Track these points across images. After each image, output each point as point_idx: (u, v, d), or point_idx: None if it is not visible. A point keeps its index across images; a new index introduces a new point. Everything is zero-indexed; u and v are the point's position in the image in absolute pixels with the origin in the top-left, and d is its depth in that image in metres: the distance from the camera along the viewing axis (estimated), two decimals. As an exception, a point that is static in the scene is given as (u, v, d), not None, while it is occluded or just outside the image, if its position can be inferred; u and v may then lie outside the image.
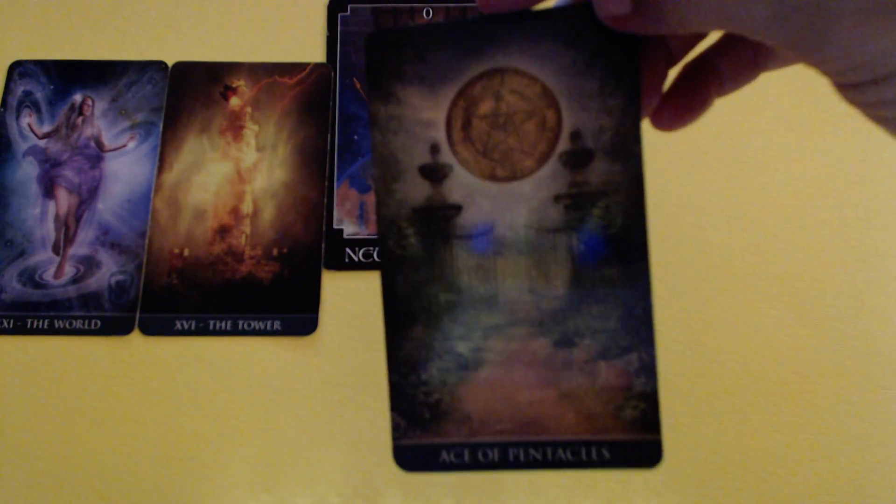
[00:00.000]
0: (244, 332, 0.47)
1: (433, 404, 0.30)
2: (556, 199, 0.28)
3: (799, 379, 0.47)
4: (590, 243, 0.28)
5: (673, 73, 0.29)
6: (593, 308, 0.28)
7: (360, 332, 0.48)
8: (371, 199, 0.50)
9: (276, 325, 0.48)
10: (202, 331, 0.47)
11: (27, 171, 0.51)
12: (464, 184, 0.29)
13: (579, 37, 0.27)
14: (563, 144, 0.28)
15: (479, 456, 0.29)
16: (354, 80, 0.54)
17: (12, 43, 0.55)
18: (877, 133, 0.48)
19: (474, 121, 0.28)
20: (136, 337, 0.47)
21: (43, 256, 0.49)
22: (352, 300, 0.49)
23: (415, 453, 0.30)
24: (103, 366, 0.47)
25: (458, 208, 0.29)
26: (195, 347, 0.47)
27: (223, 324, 0.48)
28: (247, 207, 0.50)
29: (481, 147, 0.28)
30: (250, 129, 0.52)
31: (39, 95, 0.53)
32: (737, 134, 0.52)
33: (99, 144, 0.52)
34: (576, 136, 0.28)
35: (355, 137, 0.52)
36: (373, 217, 0.50)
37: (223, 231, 0.50)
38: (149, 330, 0.47)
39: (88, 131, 0.52)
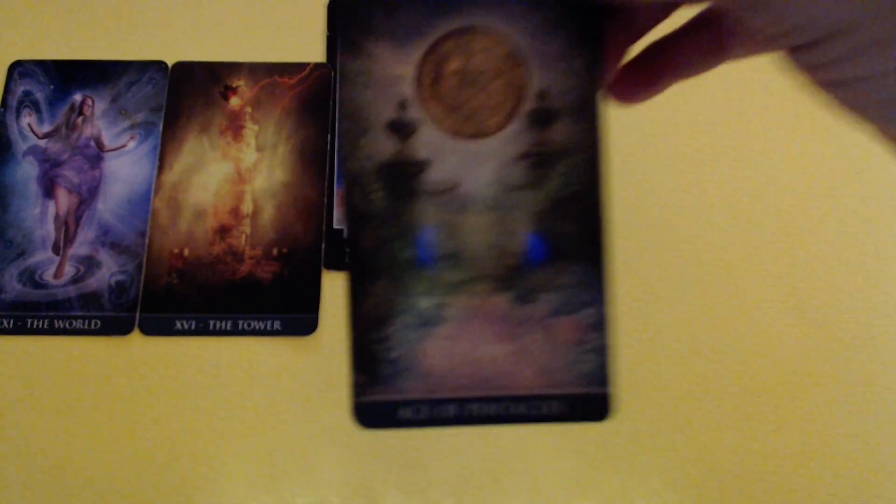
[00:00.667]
0: (244, 332, 0.48)
1: (394, 360, 0.30)
2: (522, 157, 0.29)
3: (799, 379, 0.47)
4: (551, 201, 0.29)
5: (635, 50, 0.30)
6: (553, 265, 0.29)
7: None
8: (371, 198, 0.51)
9: (276, 324, 0.48)
10: (202, 331, 0.47)
11: (27, 171, 0.51)
12: (431, 140, 0.29)
13: (553, 5, 0.28)
14: (530, 103, 0.29)
15: (437, 412, 0.30)
16: (354, 79, 0.54)
17: (12, 43, 0.55)
18: None
19: (443, 78, 0.29)
20: (136, 337, 0.48)
21: (43, 256, 0.49)
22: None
23: (374, 410, 0.30)
24: (103, 366, 0.47)
25: (424, 164, 0.29)
26: (195, 347, 0.47)
27: (223, 324, 0.48)
28: (247, 207, 0.50)
29: (450, 104, 0.29)
30: (250, 129, 0.52)
31: (39, 95, 0.53)
32: (737, 132, 0.52)
33: (99, 144, 0.52)
34: (542, 95, 0.29)
35: (355, 137, 0.52)
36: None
37: (223, 231, 0.50)
38: (149, 330, 0.48)
39: (88, 131, 0.52)
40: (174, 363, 0.47)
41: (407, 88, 0.29)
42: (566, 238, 0.29)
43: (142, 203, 0.50)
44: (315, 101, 0.53)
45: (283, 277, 0.49)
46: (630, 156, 0.51)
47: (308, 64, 0.54)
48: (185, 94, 0.53)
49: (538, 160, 0.29)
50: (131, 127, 0.52)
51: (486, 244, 0.29)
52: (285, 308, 0.48)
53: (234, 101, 0.53)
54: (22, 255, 0.49)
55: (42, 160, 0.52)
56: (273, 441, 0.45)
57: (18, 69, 0.54)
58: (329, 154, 0.52)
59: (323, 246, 0.49)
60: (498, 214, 0.29)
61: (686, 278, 0.49)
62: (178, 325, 0.48)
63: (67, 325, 0.48)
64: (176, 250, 0.49)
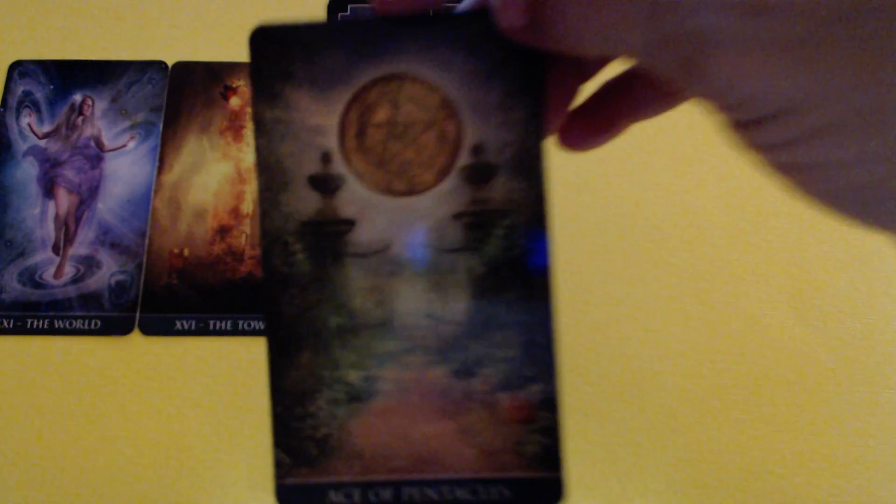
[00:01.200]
0: (244, 332, 0.47)
1: (321, 439, 0.27)
2: (457, 216, 0.26)
3: (800, 378, 0.47)
4: (490, 266, 0.26)
5: (587, 91, 0.27)
6: (494, 335, 0.26)
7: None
8: (371, 199, 0.50)
9: (276, 325, 0.48)
10: (202, 331, 0.47)
11: (27, 171, 0.51)
12: (358, 197, 0.26)
13: (482, 45, 0.25)
14: (464, 158, 0.26)
15: (371, 496, 0.27)
16: (354, 80, 0.54)
17: (12, 43, 0.55)
18: None
19: (369, 129, 0.26)
20: (136, 337, 0.48)
21: (43, 256, 0.49)
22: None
23: (300, 494, 0.27)
24: (103, 366, 0.47)
25: (351, 223, 0.26)
26: (195, 347, 0.47)
27: (223, 324, 0.48)
28: (247, 207, 0.50)
29: (376, 158, 0.26)
30: (250, 129, 0.52)
31: (39, 95, 0.53)
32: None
33: (99, 144, 0.52)
34: (477, 150, 0.26)
35: (355, 137, 0.52)
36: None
37: (223, 231, 0.50)
38: (149, 330, 0.48)
39: (88, 131, 0.52)
40: (174, 363, 0.47)
41: (330, 140, 0.26)
42: (508, 306, 0.26)
43: (142, 203, 0.51)
44: (315, 101, 0.53)
45: (283, 277, 0.49)
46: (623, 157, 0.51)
47: (308, 64, 0.54)
48: (185, 94, 0.53)
49: (475, 220, 0.26)
50: (131, 127, 0.52)
51: (421, 312, 0.27)
52: (285, 308, 0.48)
53: (235, 101, 0.53)
54: (22, 255, 0.49)
55: (42, 160, 0.52)
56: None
57: (18, 69, 0.54)
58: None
59: (323, 246, 0.49)
60: (432, 279, 0.26)
61: (685, 277, 0.49)
62: (178, 325, 0.48)
63: (67, 325, 0.48)
64: (176, 250, 0.49)
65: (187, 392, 0.46)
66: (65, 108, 0.53)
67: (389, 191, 0.26)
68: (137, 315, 0.48)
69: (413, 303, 0.27)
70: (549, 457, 0.26)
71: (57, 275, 0.49)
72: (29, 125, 0.52)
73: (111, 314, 0.48)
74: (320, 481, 0.27)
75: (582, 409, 0.45)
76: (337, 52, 0.26)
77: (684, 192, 0.51)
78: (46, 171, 0.51)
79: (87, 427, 0.46)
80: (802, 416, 0.46)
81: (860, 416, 0.46)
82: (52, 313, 0.48)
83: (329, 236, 0.26)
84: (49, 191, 0.51)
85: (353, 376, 0.27)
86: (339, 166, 0.26)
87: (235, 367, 0.47)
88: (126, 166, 0.51)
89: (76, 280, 0.49)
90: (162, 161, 0.51)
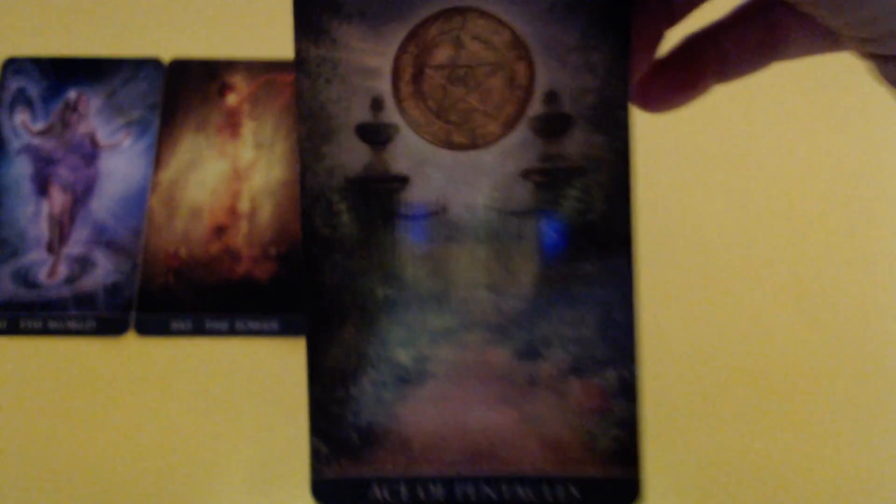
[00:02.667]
0: (241, 333, 0.47)
1: (364, 426, 0.24)
2: (525, 174, 0.23)
3: (801, 378, 0.47)
4: (563, 231, 0.23)
5: (670, 41, 0.24)
6: (565, 312, 0.23)
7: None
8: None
9: (274, 325, 0.48)
10: (199, 331, 0.47)
11: (21, 169, 0.51)
12: (412, 150, 0.23)
13: None
14: (536, 107, 0.23)
15: (420, 493, 0.24)
16: (353, 77, 0.53)
17: (5, 39, 0.54)
18: (880, 130, 0.49)
19: (427, 71, 0.23)
20: (131, 337, 0.47)
21: (36, 256, 0.49)
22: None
23: (340, 488, 0.24)
24: (98, 366, 0.47)
25: (404, 180, 0.23)
26: (191, 348, 0.47)
27: (220, 324, 0.47)
28: (244, 206, 0.50)
29: (435, 105, 0.23)
30: (247, 127, 0.52)
31: (33, 92, 0.53)
32: (740, 130, 0.52)
33: (94, 142, 0.52)
34: (551, 97, 0.23)
35: (354, 135, 0.52)
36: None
37: (220, 230, 0.50)
38: (144, 330, 0.47)
39: (83, 129, 0.52)
40: (170, 364, 0.47)
41: (382, 84, 0.23)
42: (583, 279, 0.23)
43: (137, 202, 0.50)
44: (313, 99, 0.53)
45: (281, 277, 0.49)
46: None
47: (306, 61, 0.54)
48: (181, 92, 0.53)
49: (547, 178, 0.23)
50: (126, 124, 0.52)
51: (481, 283, 0.23)
52: (283, 308, 0.48)
53: (231, 99, 0.53)
54: (15, 254, 0.49)
55: (36, 158, 0.51)
56: (270, 442, 0.45)
57: (12, 66, 0.53)
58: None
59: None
60: (495, 246, 0.23)
61: (686, 276, 0.48)
62: (174, 325, 0.47)
63: (62, 326, 0.47)
64: (172, 249, 0.49)
65: (183, 393, 0.46)
66: (59, 106, 0.53)
67: (448, 143, 0.23)
68: (133, 315, 0.48)
69: (472, 273, 0.23)
70: (624, 453, 0.24)
71: (51, 274, 0.49)
72: (22, 122, 0.52)
73: (106, 314, 0.48)
74: (363, 475, 0.24)
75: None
76: None
77: (684, 188, 0.51)
78: (40, 169, 0.51)
79: (82, 428, 0.45)
80: (804, 416, 0.46)
81: (863, 417, 0.46)
82: (46, 314, 0.48)
83: (379, 194, 0.23)
84: (43, 189, 0.51)
85: (403, 356, 0.24)
86: (391, 114, 0.23)
87: (232, 368, 0.47)
88: (121, 164, 0.51)
89: (70, 280, 0.49)
90: (158, 159, 0.51)
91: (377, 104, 0.23)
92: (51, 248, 0.49)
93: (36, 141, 0.52)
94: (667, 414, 0.41)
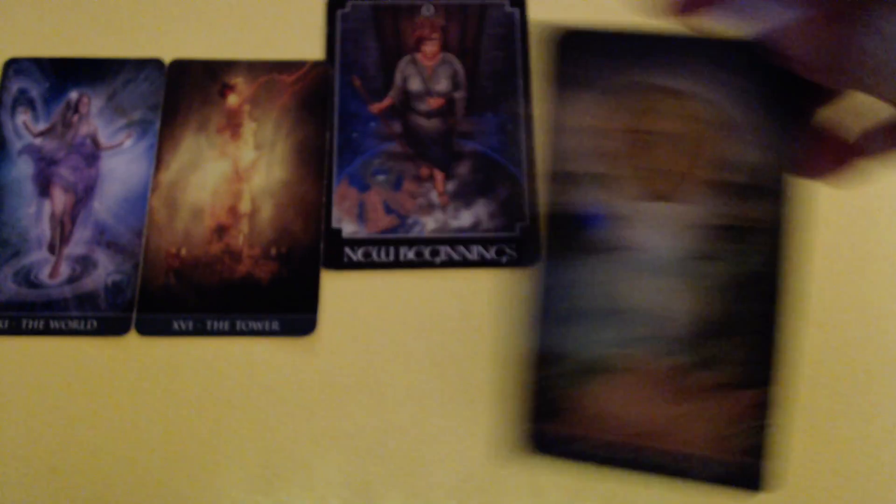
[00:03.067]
0: (242, 333, 0.48)
1: (562, 399, 0.31)
2: (708, 227, 0.29)
3: (802, 378, 0.47)
4: (735, 277, 0.29)
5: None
6: (731, 338, 0.29)
7: (359, 332, 0.48)
8: (369, 198, 0.50)
9: (275, 325, 0.48)
10: (200, 331, 0.47)
11: (22, 169, 0.51)
12: (622, 199, 0.29)
13: (753, 71, 0.27)
14: (722, 173, 0.28)
15: (612, 453, 0.31)
16: (353, 77, 0.54)
17: (7, 40, 0.55)
18: None
19: (641, 138, 0.29)
20: (132, 337, 0.47)
21: (38, 256, 0.49)
22: (351, 300, 0.49)
23: (542, 442, 0.31)
24: (100, 366, 0.47)
25: (606, 221, 0.30)
26: (192, 348, 0.47)
27: (221, 324, 0.47)
28: (245, 206, 0.50)
29: (636, 163, 0.29)
30: (248, 127, 0.52)
31: (35, 93, 0.53)
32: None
33: (95, 143, 0.52)
34: (735, 166, 0.28)
35: (354, 135, 0.52)
36: (372, 217, 0.50)
37: (221, 230, 0.50)
38: (146, 330, 0.47)
39: (84, 129, 0.52)
40: (171, 364, 0.47)
41: (603, 143, 0.29)
42: (747, 314, 0.29)
43: (139, 202, 0.50)
44: (314, 99, 0.53)
45: (282, 277, 0.49)
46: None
47: (307, 62, 0.54)
48: (182, 92, 0.53)
49: (725, 233, 0.29)
50: (128, 125, 0.52)
51: (669, 307, 0.30)
52: (284, 308, 0.48)
53: (232, 99, 0.53)
54: (17, 254, 0.49)
55: (38, 158, 0.51)
56: (272, 442, 0.45)
57: (14, 66, 0.54)
58: (328, 152, 0.52)
59: (321, 245, 0.49)
60: (682, 280, 0.29)
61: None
62: (176, 325, 0.48)
63: (63, 326, 0.48)
64: (173, 250, 0.49)
65: (185, 393, 0.46)
66: (60, 106, 0.53)
67: (649, 195, 0.29)
68: (134, 315, 0.48)
69: (663, 299, 0.30)
70: (762, 449, 0.29)
71: (52, 275, 0.49)
72: (24, 123, 0.52)
73: (107, 314, 0.48)
74: (564, 433, 0.31)
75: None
76: (618, 60, 0.28)
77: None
78: (42, 169, 0.51)
79: (83, 428, 0.45)
80: (805, 416, 0.46)
81: (863, 417, 0.46)
82: (47, 313, 0.48)
83: (586, 231, 0.30)
84: (45, 189, 0.51)
85: (601, 351, 0.30)
86: (608, 167, 0.29)
87: (233, 368, 0.47)
88: (123, 165, 0.51)
89: (72, 280, 0.49)
90: (159, 159, 0.51)
91: (593, 156, 0.29)
92: (52, 249, 0.49)
93: (37, 141, 0.52)
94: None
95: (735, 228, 0.29)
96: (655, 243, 0.29)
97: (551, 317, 0.31)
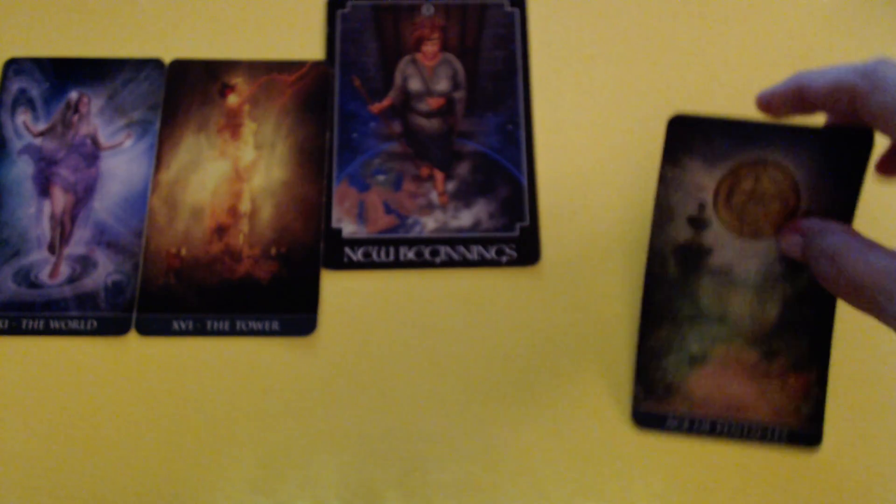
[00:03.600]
0: (242, 333, 0.48)
1: (667, 384, 0.43)
2: (781, 258, 0.40)
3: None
4: (797, 292, 0.41)
5: None
6: (792, 335, 0.42)
7: (360, 332, 0.48)
8: (369, 198, 0.51)
9: (275, 325, 0.48)
10: (200, 331, 0.48)
11: (22, 169, 0.51)
12: (718, 235, 0.40)
13: (832, 154, 0.37)
14: (795, 218, 0.39)
15: (695, 425, 0.43)
16: (353, 77, 0.54)
17: (7, 40, 0.55)
18: None
19: (736, 193, 0.39)
20: (132, 337, 0.48)
21: (38, 256, 0.49)
22: (351, 300, 0.49)
23: (648, 416, 0.44)
24: (100, 366, 0.47)
25: (710, 251, 0.41)
26: (193, 348, 0.47)
27: (221, 324, 0.48)
28: (245, 206, 0.50)
29: (737, 212, 0.40)
30: (248, 127, 0.52)
31: (35, 93, 0.53)
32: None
33: (95, 143, 0.52)
34: (806, 214, 0.39)
35: (354, 135, 0.52)
36: (372, 217, 0.50)
37: (221, 230, 0.50)
38: (146, 330, 0.48)
39: (84, 129, 0.52)
40: (171, 364, 0.47)
41: (707, 196, 0.40)
42: (805, 316, 0.41)
43: (138, 202, 0.51)
44: (314, 99, 0.53)
45: (282, 277, 0.49)
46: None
47: (307, 62, 0.54)
48: (182, 92, 0.53)
49: (792, 264, 0.40)
50: (128, 125, 0.52)
51: (746, 313, 0.42)
52: (284, 308, 0.48)
53: (232, 99, 0.53)
54: (17, 254, 0.49)
55: (37, 158, 0.52)
56: (272, 442, 0.46)
57: (13, 66, 0.54)
58: (328, 152, 0.52)
59: (322, 245, 0.49)
60: (757, 294, 0.41)
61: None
62: (176, 325, 0.48)
63: (63, 326, 0.48)
64: (173, 250, 0.49)
65: (185, 393, 0.46)
66: (60, 106, 0.53)
67: (740, 234, 0.40)
68: (134, 315, 0.48)
69: (742, 307, 0.42)
70: (816, 416, 0.43)
71: (52, 275, 0.49)
72: (24, 123, 0.52)
73: (107, 314, 0.48)
74: (663, 411, 0.44)
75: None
76: (726, 140, 0.38)
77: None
78: (42, 169, 0.51)
79: (83, 428, 0.46)
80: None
81: (865, 417, 0.46)
82: (47, 314, 0.48)
83: (693, 256, 0.41)
84: (44, 189, 0.51)
85: (695, 347, 0.43)
86: (709, 213, 0.40)
87: (233, 368, 0.47)
88: (123, 165, 0.51)
89: (72, 280, 0.49)
90: (159, 159, 0.51)
91: (702, 207, 0.40)
92: (52, 249, 0.49)
93: (37, 141, 0.52)
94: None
95: (800, 262, 0.38)
96: (742, 267, 0.41)
97: (668, 318, 0.43)
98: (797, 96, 0.36)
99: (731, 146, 0.38)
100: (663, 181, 0.40)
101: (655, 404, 0.43)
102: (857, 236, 0.36)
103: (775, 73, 0.52)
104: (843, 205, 0.38)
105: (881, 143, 0.36)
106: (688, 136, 0.38)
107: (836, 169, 0.38)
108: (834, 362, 0.43)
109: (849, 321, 0.42)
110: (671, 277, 0.42)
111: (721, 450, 0.45)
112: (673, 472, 0.45)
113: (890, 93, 0.31)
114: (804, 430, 0.42)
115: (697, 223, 0.40)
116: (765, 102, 0.38)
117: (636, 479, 0.45)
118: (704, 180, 0.39)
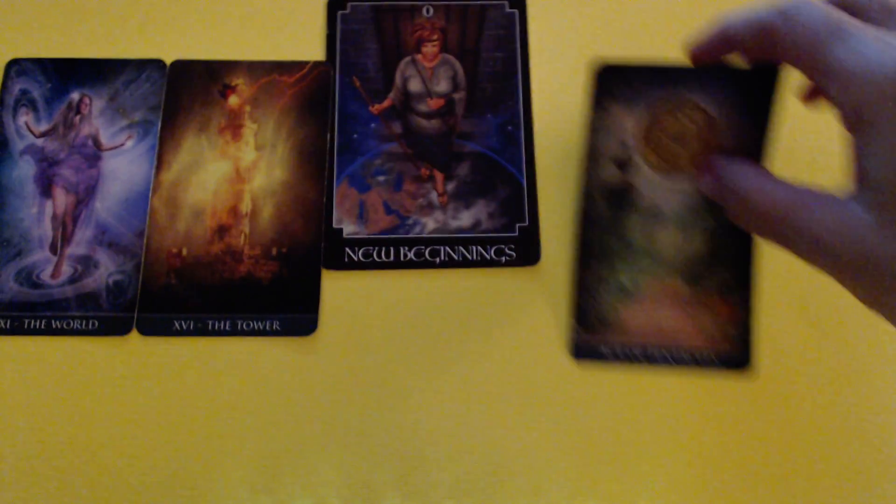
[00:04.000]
0: (243, 333, 0.48)
1: (601, 317, 0.44)
2: (700, 192, 0.41)
3: (804, 378, 0.47)
4: (719, 223, 0.41)
5: None
6: (716, 263, 0.42)
7: (360, 331, 0.48)
8: (370, 198, 0.51)
9: (276, 325, 0.48)
10: (201, 331, 0.48)
11: (24, 169, 0.52)
12: (642, 174, 0.42)
13: (744, 91, 0.39)
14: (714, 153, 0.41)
15: (629, 352, 0.43)
16: (354, 78, 0.54)
17: (9, 41, 0.55)
18: None
19: (655, 132, 0.41)
20: (134, 337, 0.48)
21: (40, 256, 0.50)
22: (351, 300, 0.49)
23: (585, 349, 0.44)
24: (101, 366, 0.47)
25: (635, 190, 0.42)
26: (194, 348, 0.48)
27: (222, 324, 0.48)
28: (246, 207, 0.51)
29: (658, 151, 0.41)
30: (249, 128, 0.53)
31: (36, 94, 0.53)
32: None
33: (97, 143, 0.52)
34: (724, 151, 0.40)
35: (355, 136, 0.52)
36: (372, 217, 0.51)
37: (222, 230, 0.50)
38: (147, 330, 0.48)
39: (86, 130, 0.53)
40: (173, 364, 0.47)
41: (629, 137, 0.41)
42: (727, 246, 0.41)
43: (140, 202, 0.51)
44: (314, 100, 0.53)
45: (283, 277, 0.49)
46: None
47: (307, 62, 0.54)
48: (183, 93, 0.54)
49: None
50: (129, 126, 0.53)
51: (671, 245, 0.43)
52: (285, 308, 0.48)
53: (233, 100, 0.53)
54: (19, 254, 0.50)
55: (39, 159, 0.52)
56: (273, 442, 0.46)
57: (15, 67, 0.54)
58: (328, 153, 0.52)
59: (322, 245, 0.50)
60: (681, 227, 0.42)
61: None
62: (177, 325, 0.48)
63: (65, 326, 0.48)
64: (174, 250, 0.50)
65: (186, 392, 0.47)
66: (62, 107, 0.53)
67: (663, 172, 0.41)
68: (135, 315, 0.48)
69: (669, 241, 0.43)
70: (743, 338, 0.42)
71: (54, 275, 0.49)
72: (26, 124, 0.53)
73: (109, 314, 0.48)
74: (599, 342, 0.44)
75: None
76: (646, 85, 0.40)
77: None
78: (44, 170, 0.52)
79: (85, 428, 0.46)
80: (806, 416, 0.46)
81: (864, 417, 0.46)
82: (49, 313, 0.48)
83: (621, 195, 0.42)
84: (46, 190, 0.51)
85: (626, 281, 0.43)
86: (632, 153, 0.42)
87: (234, 368, 0.47)
88: (124, 165, 0.52)
89: (74, 280, 0.49)
90: (160, 160, 0.52)
91: (625, 146, 0.41)
92: (54, 249, 0.50)
93: (39, 142, 0.52)
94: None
95: None
96: (665, 203, 0.42)
97: (599, 255, 0.43)
98: (723, 41, 0.37)
99: (650, 89, 0.41)
100: (589, 126, 0.42)
101: (592, 337, 0.44)
102: (761, 172, 0.37)
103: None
104: (756, 140, 0.40)
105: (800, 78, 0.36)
106: (611, 83, 0.41)
107: (749, 106, 0.40)
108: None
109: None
110: (602, 216, 0.43)
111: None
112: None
113: (803, 33, 0.32)
114: (733, 354, 0.43)
115: (622, 164, 0.42)
116: (696, 54, 0.39)
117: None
118: (627, 123, 0.42)
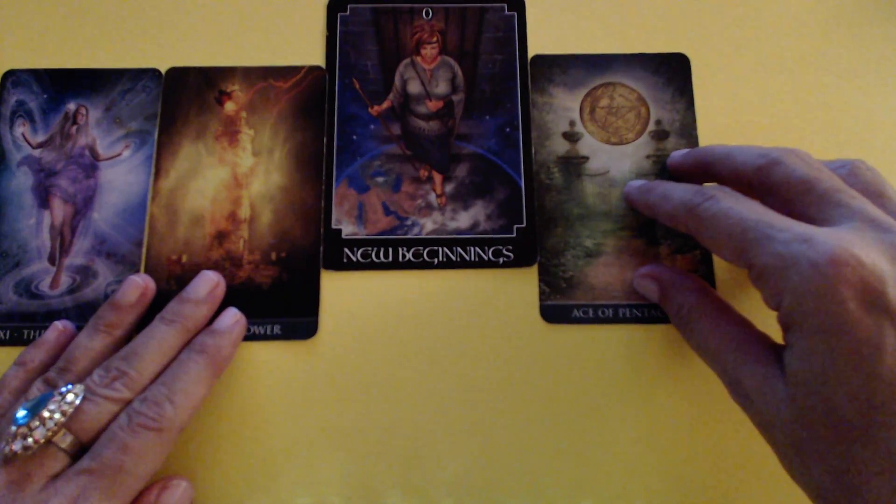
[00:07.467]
0: (244, 338, 0.49)
1: (568, 278, 0.49)
2: (647, 157, 0.52)
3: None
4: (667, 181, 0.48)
5: None
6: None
7: (359, 331, 0.49)
8: (369, 199, 0.52)
9: (276, 329, 0.49)
10: (201, 337, 0.48)
11: (21, 181, 0.53)
12: (590, 144, 0.52)
13: (661, 71, 0.53)
14: (651, 127, 0.52)
15: (599, 312, 0.48)
16: (353, 80, 0.55)
17: (5, 52, 0.56)
18: (882, 129, 0.50)
19: (597, 110, 0.52)
20: (134, 345, 0.48)
21: (38, 267, 0.51)
22: (350, 300, 0.50)
23: (555, 310, 0.48)
24: (101, 374, 0.48)
25: (586, 158, 0.51)
26: (194, 354, 0.48)
27: (222, 330, 0.48)
28: (244, 212, 0.52)
29: (601, 124, 0.52)
30: (246, 134, 0.54)
31: (33, 105, 0.55)
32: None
33: (94, 153, 0.54)
34: (658, 122, 0.52)
35: (354, 137, 0.54)
36: (371, 218, 0.52)
37: (221, 237, 0.51)
38: (147, 337, 0.48)
39: (83, 140, 0.54)
40: (173, 371, 0.48)
41: (574, 114, 0.52)
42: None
43: (138, 212, 0.52)
44: (310, 104, 0.55)
45: (283, 282, 0.50)
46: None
47: (302, 67, 0.56)
48: (179, 101, 0.55)
49: (657, 160, 0.51)
50: (126, 135, 0.54)
51: (629, 207, 0.50)
52: (285, 312, 0.50)
53: (229, 106, 0.55)
54: (17, 265, 0.51)
55: (37, 170, 0.53)
56: (273, 441, 0.47)
57: (11, 78, 0.55)
58: (327, 154, 0.53)
59: (321, 247, 0.51)
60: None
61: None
62: (177, 332, 0.48)
63: (64, 335, 0.48)
64: (174, 257, 0.51)
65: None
66: (59, 118, 0.54)
67: (608, 142, 0.52)
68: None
69: (621, 201, 0.50)
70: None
71: (53, 285, 0.50)
72: (23, 135, 0.54)
73: (109, 323, 0.49)
74: (568, 303, 0.48)
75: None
76: (580, 70, 0.53)
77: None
78: (41, 180, 0.53)
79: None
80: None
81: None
82: (48, 324, 0.49)
83: (574, 164, 0.51)
84: (44, 201, 0.52)
85: (588, 242, 0.49)
86: (579, 127, 0.52)
87: (236, 373, 0.48)
88: (121, 175, 0.53)
89: (72, 290, 0.50)
90: (158, 168, 0.53)
91: (572, 123, 0.52)
92: (52, 260, 0.51)
93: (36, 153, 0.53)
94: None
95: (663, 156, 0.51)
96: (619, 168, 0.51)
97: (560, 220, 0.50)
98: (701, 170, 0.45)
99: (585, 74, 0.53)
100: (535, 106, 0.52)
101: (560, 298, 0.48)
102: (708, 298, 0.42)
103: (775, 75, 0.53)
104: (684, 110, 0.52)
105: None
106: (547, 70, 0.53)
107: (670, 84, 0.52)
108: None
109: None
110: (557, 184, 0.50)
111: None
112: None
113: (787, 180, 0.38)
114: None
115: (571, 137, 0.51)
116: (673, 166, 0.49)
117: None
118: (569, 102, 0.52)
